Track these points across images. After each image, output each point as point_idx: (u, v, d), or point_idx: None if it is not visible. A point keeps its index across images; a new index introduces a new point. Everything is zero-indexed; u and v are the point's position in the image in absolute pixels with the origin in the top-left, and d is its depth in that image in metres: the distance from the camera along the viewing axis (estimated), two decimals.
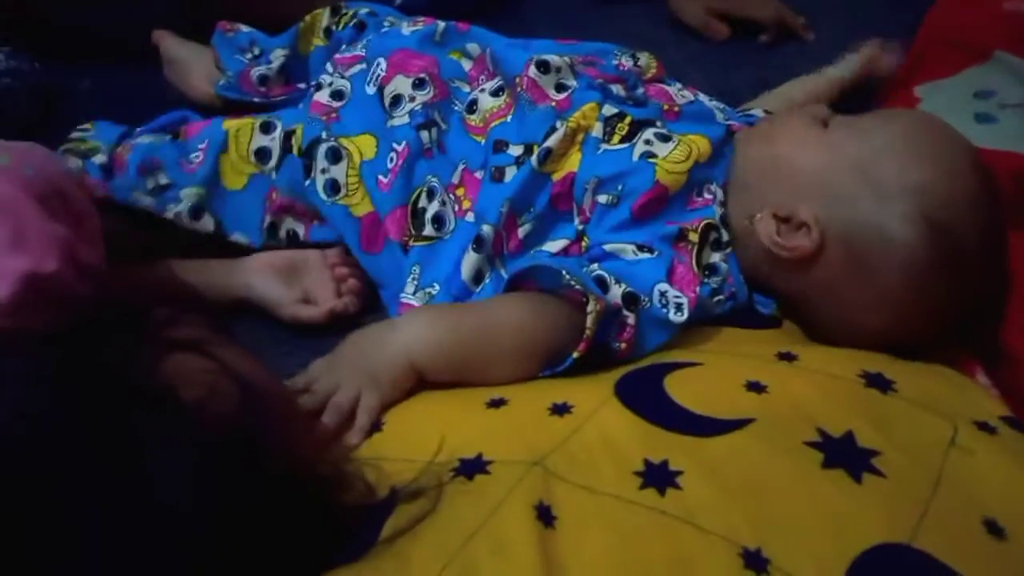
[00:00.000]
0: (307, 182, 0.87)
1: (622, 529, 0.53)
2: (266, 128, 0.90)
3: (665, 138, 0.80)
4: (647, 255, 0.75)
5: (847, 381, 0.65)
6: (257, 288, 0.88)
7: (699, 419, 0.61)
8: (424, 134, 0.87)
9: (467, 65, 0.93)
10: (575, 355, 0.68)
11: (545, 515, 0.53)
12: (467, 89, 0.91)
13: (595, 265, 0.74)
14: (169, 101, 1.06)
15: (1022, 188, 0.83)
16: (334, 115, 0.90)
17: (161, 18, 1.12)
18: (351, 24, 1.01)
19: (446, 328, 0.71)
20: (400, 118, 0.88)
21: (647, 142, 0.80)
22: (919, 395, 0.64)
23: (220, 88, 1.03)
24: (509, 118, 0.85)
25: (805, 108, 0.82)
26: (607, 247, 0.76)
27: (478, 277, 0.81)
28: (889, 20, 1.21)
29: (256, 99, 1.02)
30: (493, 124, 0.86)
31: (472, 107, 0.88)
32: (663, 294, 0.73)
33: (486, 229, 0.80)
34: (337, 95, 0.92)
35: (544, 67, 0.85)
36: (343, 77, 0.94)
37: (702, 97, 0.90)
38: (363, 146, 0.88)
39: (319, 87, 0.93)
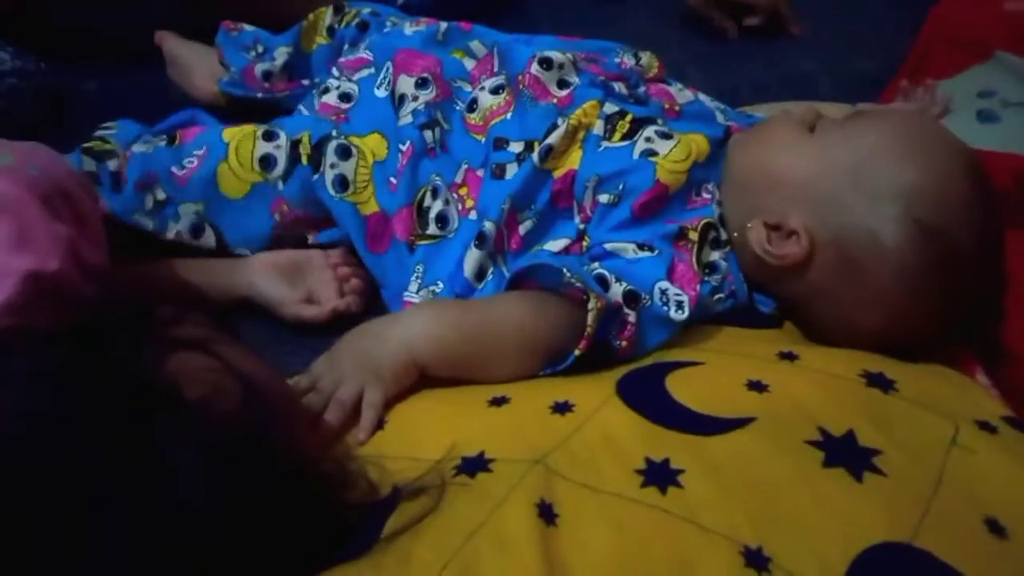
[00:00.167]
0: (315, 176, 0.87)
1: (623, 527, 0.53)
2: (268, 136, 0.89)
3: (666, 136, 0.80)
4: (647, 253, 0.75)
5: (848, 381, 0.65)
6: (260, 287, 0.88)
7: (700, 418, 0.61)
8: (428, 133, 0.87)
9: (469, 64, 0.93)
10: (576, 353, 0.69)
11: (547, 513, 0.53)
12: (469, 89, 0.91)
13: (596, 264, 0.75)
14: (173, 101, 1.07)
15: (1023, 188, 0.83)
16: (343, 116, 0.91)
17: (162, 19, 1.13)
18: (354, 23, 1.02)
19: (448, 324, 0.71)
20: (404, 118, 0.89)
21: (648, 140, 0.80)
22: (920, 395, 0.64)
23: (224, 84, 1.03)
24: (509, 115, 0.86)
25: (793, 113, 0.81)
26: (608, 246, 0.77)
27: (480, 274, 0.81)
28: (890, 19, 1.21)
29: (260, 95, 1.02)
30: (493, 122, 0.86)
31: (472, 106, 0.88)
32: (664, 292, 0.73)
33: (488, 226, 0.81)
34: (345, 97, 0.92)
35: (547, 64, 0.86)
36: (350, 80, 0.94)
37: (703, 97, 0.90)
38: (374, 146, 0.88)
39: (326, 90, 0.93)
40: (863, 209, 0.71)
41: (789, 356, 0.69)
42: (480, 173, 0.85)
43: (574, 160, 0.81)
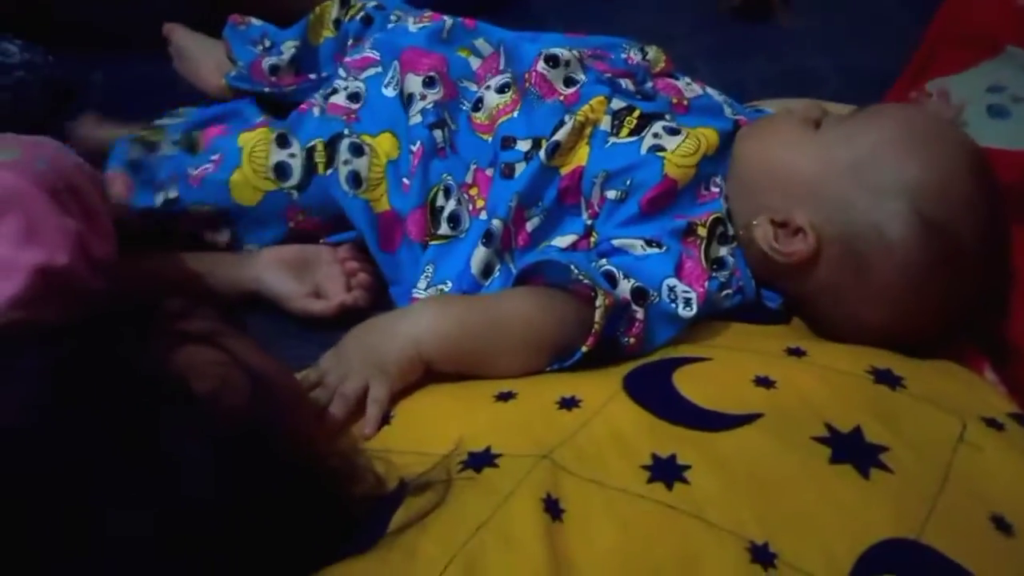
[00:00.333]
0: (328, 172, 0.87)
1: (630, 523, 0.53)
2: (282, 142, 0.89)
3: (674, 131, 0.80)
4: (655, 250, 0.75)
5: (856, 377, 0.65)
6: (267, 281, 0.88)
7: (707, 414, 0.61)
8: (437, 133, 0.87)
9: (475, 63, 0.93)
10: (584, 349, 0.69)
11: (553, 508, 0.53)
12: (474, 88, 0.91)
13: (604, 260, 0.75)
14: (180, 94, 1.07)
15: None
16: (353, 116, 0.91)
17: (167, 13, 1.13)
18: (358, 17, 1.02)
19: (454, 319, 0.71)
20: (414, 117, 0.89)
21: (656, 135, 0.80)
22: (927, 391, 0.64)
23: (231, 79, 1.03)
24: (516, 114, 0.86)
25: (797, 109, 0.81)
26: (615, 242, 0.76)
27: (487, 271, 0.81)
28: (897, 15, 1.21)
29: (267, 89, 1.02)
30: (500, 120, 0.86)
31: (478, 105, 0.88)
32: (672, 289, 0.73)
33: (495, 223, 0.81)
34: (354, 97, 0.92)
35: (553, 61, 0.85)
36: (357, 80, 0.94)
37: (711, 91, 0.89)
38: (386, 146, 0.88)
39: (334, 91, 0.93)
40: (868, 205, 0.71)
41: (796, 352, 0.69)
42: (489, 173, 0.85)
43: (581, 157, 0.81)
